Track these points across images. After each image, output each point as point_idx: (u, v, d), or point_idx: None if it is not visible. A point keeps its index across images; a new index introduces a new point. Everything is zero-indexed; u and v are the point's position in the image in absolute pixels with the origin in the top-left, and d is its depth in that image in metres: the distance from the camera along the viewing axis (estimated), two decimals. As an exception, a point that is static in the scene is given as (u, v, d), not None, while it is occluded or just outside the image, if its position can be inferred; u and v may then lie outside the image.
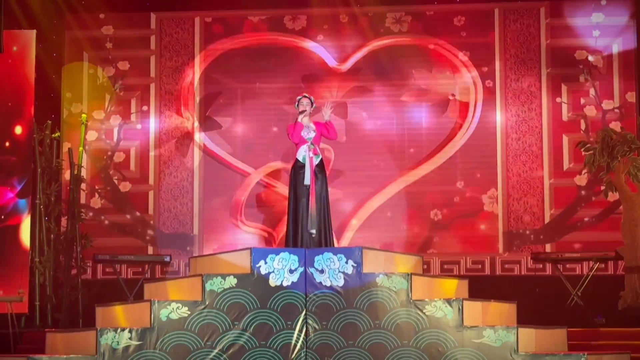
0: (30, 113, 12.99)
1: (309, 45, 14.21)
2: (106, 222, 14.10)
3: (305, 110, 10.73)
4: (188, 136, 14.23)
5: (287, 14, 14.31)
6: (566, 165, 13.87)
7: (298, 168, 10.66)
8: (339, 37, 14.22)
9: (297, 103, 10.85)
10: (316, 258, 9.73)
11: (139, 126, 14.31)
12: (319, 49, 14.20)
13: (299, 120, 10.69)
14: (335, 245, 10.79)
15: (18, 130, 12.88)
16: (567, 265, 13.31)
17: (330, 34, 14.23)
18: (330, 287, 9.67)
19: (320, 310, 9.63)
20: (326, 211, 10.66)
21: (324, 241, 10.50)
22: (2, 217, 12.67)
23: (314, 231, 10.47)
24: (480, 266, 13.72)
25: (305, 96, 10.86)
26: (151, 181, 14.19)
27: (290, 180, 10.75)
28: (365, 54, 14.18)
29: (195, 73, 14.29)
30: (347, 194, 13.95)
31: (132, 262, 13.46)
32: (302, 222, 10.50)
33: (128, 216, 14.12)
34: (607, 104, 13.87)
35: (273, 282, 9.68)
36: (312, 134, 10.66)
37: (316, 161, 10.65)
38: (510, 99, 14.00)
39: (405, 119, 14.06)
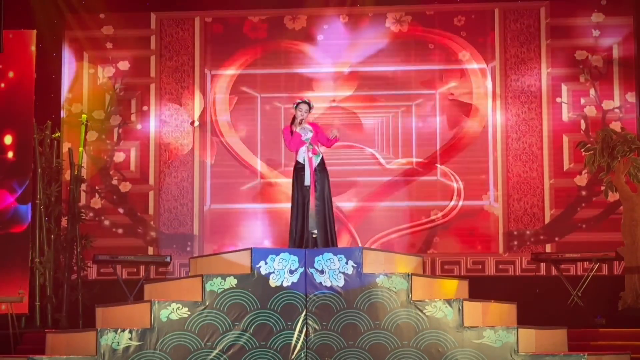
0: (30, 113, 12.97)
1: (309, 46, 14.23)
2: (106, 222, 14.10)
3: (303, 119, 10.57)
4: (188, 136, 14.22)
5: (287, 14, 14.30)
6: (566, 165, 13.86)
7: (299, 169, 10.54)
8: (339, 37, 14.22)
9: (295, 106, 10.60)
10: (316, 258, 9.72)
11: (139, 126, 14.30)
12: (319, 49, 14.22)
13: (296, 130, 10.50)
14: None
15: (17, 131, 12.85)
16: (567, 266, 13.30)
17: (330, 34, 14.23)
18: (331, 288, 9.66)
19: (321, 311, 9.63)
20: (330, 210, 10.57)
21: (330, 240, 10.41)
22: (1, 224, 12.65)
23: (315, 231, 10.40)
24: (480, 266, 13.72)
25: (304, 102, 10.61)
26: (151, 181, 14.19)
27: (293, 181, 10.64)
28: (365, 54, 14.18)
29: (195, 73, 14.29)
30: (347, 193, 13.95)
31: (132, 263, 13.42)
32: (305, 222, 10.44)
33: (128, 217, 14.12)
34: (607, 104, 13.86)
35: (273, 282, 9.67)
36: (310, 134, 10.53)
37: (316, 161, 10.53)
38: (510, 99, 13.99)
39: (405, 119, 14.05)
